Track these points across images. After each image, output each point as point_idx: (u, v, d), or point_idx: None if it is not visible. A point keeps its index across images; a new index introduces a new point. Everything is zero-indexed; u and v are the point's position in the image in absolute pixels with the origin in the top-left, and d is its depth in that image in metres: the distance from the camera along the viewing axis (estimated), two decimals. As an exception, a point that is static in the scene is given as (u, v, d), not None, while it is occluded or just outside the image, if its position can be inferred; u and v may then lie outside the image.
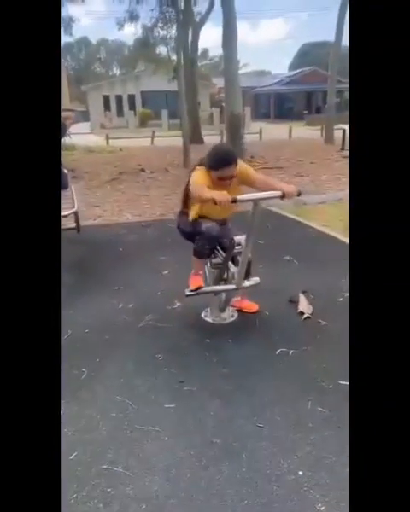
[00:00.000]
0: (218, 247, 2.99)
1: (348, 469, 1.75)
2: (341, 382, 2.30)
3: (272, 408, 2.13)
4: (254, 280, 2.78)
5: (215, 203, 2.24)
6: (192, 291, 2.80)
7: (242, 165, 2.66)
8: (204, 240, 2.72)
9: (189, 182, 2.62)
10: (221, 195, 2.25)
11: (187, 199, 2.80)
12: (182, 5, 14.86)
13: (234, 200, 2.25)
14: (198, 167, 2.64)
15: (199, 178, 2.55)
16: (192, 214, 2.75)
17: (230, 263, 2.75)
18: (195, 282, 2.82)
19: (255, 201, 2.34)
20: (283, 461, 1.82)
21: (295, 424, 2.03)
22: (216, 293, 2.91)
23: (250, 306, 3.10)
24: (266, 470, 1.77)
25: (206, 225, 2.70)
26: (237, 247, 2.54)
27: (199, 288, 2.78)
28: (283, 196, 2.36)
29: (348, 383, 2.29)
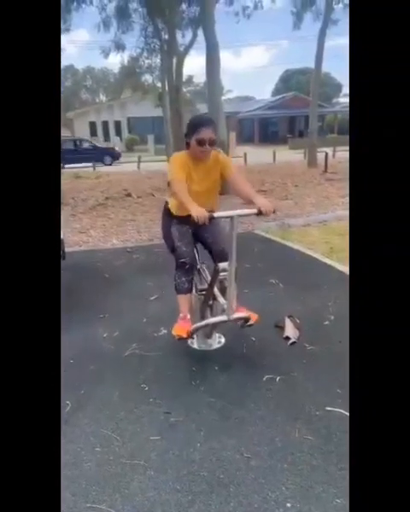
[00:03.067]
0: (206, 271, 2.99)
1: (337, 500, 1.74)
2: (328, 408, 2.29)
3: (259, 437, 2.10)
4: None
5: (193, 220, 2.26)
6: (179, 339, 2.71)
7: (225, 158, 2.68)
8: (179, 273, 2.73)
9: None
10: (198, 211, 2.27)
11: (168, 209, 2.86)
12: (166, 35, 15.30)
13: (212, 217, 2.28)
14: (177, 153, 2.65)
15: (176, 168, 2.52)
16: (173, 208, 2.77)
17: (216, 290, 2.75)
18: (178, 328, 2.70)
19: (233, 218, 2.34)
20: (271, 493, 1.78)
21: (283, 454, 2.00)
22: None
23: (251, 315, 2.99)
24: (254, 504, 1.73)
25: (180, 258, 2.69)
26: (222, 274, 2.54)
27: (181, 337, 2.68)
28: (259, 213, 2.39)
29: (335, 409, 2.28)
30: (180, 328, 2.71)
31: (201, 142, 2.51)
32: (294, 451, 2.01)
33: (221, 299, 2.67)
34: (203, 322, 2.72)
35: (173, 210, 2.81)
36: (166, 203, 2.92)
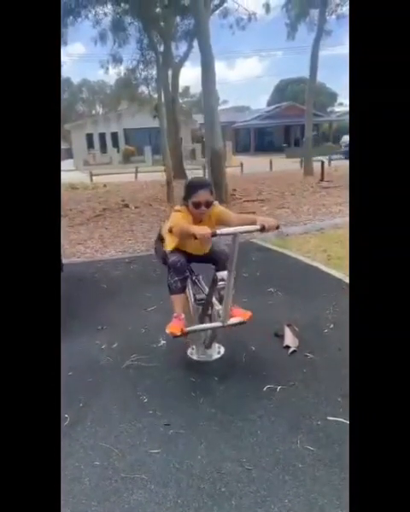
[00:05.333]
0: (202, 282, 2.99)
1: (340, 511, 1.71)
2: (329, 418, 2.26)
3: (260, 448, 2.08)
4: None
5: (195, 238, 2.27)
6: (174, 336, 2.71)
7: (219, 207, 2.75)
8: (172, 273, 2.74)
9: (166, 221, 2.68)
10: (201, 229, 2.28)
11: (162, 238, 2.92)
12: (161, 47, 15.47)
13: (214, 234, 2.28)
14: (178, 208, 2.69)
15: (178, 219, 2.62)
16: (168, 245, 2.81)
17: (214, 299, 2.75)
18: (173, 326, 2.71)
19: (235, 235, 2.36)
20: (273, 506, 1.75)
21: (285, 465, 1.97)
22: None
23: (243, 314, 3.01)
24: (256, 517, 1.71)
25: (172, 258, 2.74)
26: (220, 283, 2.54)
27: (174, 334, 2.67)
28: (262, 229, 2.39)
29: (336, 419, 2.25)
30: (174, 326, 2.70)
31: (197, 205, 2.63)
32: (296, 462, 1.98)
33: (218, 307, 2.68)
34: (197, 327, 2.76)
35: (168, 247, 2.83)
36: (155, 246, 3.07)
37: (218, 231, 2.31)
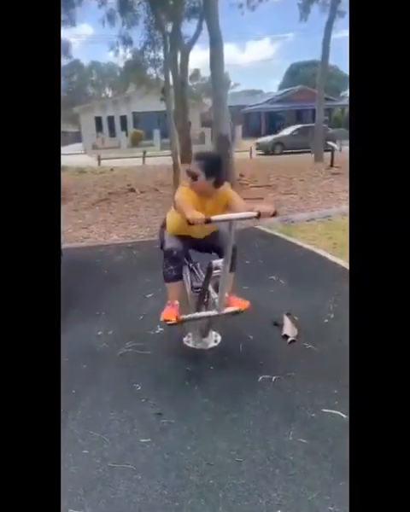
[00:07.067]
0: (200, 270, 2.94)
1: (330, 507, 1.67)
2: (325, 411, 2.22)
3: (252, 440, 2.04)
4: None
5: (190, 224, 2.21)
6: (167, 323, 2.68)
7: (229, 191, 2.65)
8: (167, 261, 2.70)
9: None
10: (195, 215, 2.21)
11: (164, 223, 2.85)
12: (170, 28, 15.14)
13: (208, 221, 2.21)
14: (185, 183, 2.64)
15: (182, 194, 2.56)
16: (169, 227, 2.76)
17: (210, 287, 2.69)
18: (166, 313, 2.70)
19: (230, 222, 2.29)
20: (261, 499, 1.72)
21: (276, 458, 1.93)
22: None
23: (241, 303, 2.97)
24: (242, 510, 1.67)
25: (168, 246, 2.70)
26: (215, 271, 2.48)
27: (169, 320, 2.65)
28: (258, 216, 2.31)
29: (332, 411, 2.20)
30: (168, 313, 2.68)
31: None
32: (287, 456, 1.94)
33: (214, 296, 2.63)
34: (192, 315, 2.72)
35: (169, 229, 2.79)
36: (163, 223, 2.93)
37: (212, 218, 2.24)
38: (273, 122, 36.53)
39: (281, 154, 20.61)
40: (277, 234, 5.85)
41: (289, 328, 3.06)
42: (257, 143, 22.80)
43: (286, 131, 23.11)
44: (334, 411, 2.20)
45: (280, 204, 7.85)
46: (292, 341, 2.94)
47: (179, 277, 2.75)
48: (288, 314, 3.24)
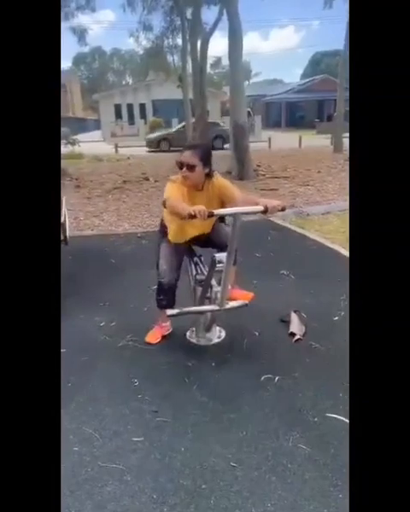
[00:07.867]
0: (203, 263, 2.84)
1: (327, 520, 1.57)
2: (328, 415, 2.11)
3: (248, 444, 1.94)
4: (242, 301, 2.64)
5: (192, 217, 2.10)
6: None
7: (222, 180, 2.57)
8: (160, 292, 2.73)
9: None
10: (198, 208, 2.10)
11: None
12: (189, 15, 14.86)
13: (211, 214, 2.11)
14: (173, 178, 2.52)
15: (172, 190, 2.45)
16: (171, 234, 2.66)
17: (213, 281, 2.59)
18: (151, 335, 2.81)
19: (235, 216, 2.18)
20: (254, 509, 1.63)
21: (273, 464, 1.83)
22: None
23: (244, 296, 2.86)
24: (234, 520, 1.59)
25: (161, 277, 2.67)
26: (218, 265, 2.37)
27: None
28: (265, 211, 2.20)
29: (335, 416, 2.09)
30: (152, 336, 2.81)
31: (179, 166, 2.46)
32: (285, 462, 1.84)
33: (217, 289, 2.54)
34: (192, 308, 2.68)
35: (171, 236, 2.69)
36: (162, 219, 2.81)
37: (215, 212, 2.13)
38: (294, 112, 35.92)
39: (168, 151, 19.60)
40: (291, 227, 5.70)
41: (296, 326, 2.94)
42: (145, 140, 22.06)
43: (173, 128, 22.40)
44: (338, 416, 2.09)
45: (296, 195, 7.67)
46: (299, 340, 2.82)
47: (171, 306, 2.74)
48: (295, 311, 3.12)
